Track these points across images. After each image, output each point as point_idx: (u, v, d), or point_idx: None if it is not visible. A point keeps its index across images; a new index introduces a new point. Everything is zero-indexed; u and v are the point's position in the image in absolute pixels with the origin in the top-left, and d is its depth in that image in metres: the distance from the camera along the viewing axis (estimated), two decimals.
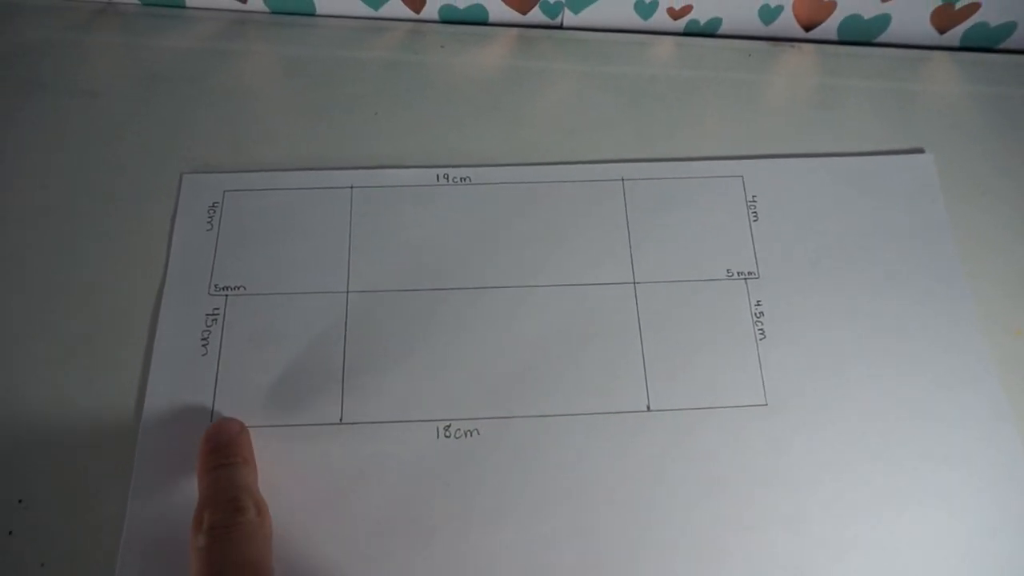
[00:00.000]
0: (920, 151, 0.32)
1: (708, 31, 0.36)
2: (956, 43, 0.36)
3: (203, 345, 0.28)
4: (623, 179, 0.31)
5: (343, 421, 0.27)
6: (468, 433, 0.27)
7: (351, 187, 0.31)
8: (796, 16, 0.35)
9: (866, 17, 0.35)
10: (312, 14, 0.36)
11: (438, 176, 0.31)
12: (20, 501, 0.25)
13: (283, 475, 0.26)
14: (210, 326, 0.28)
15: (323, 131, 0.32)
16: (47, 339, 0.28)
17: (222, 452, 0.24)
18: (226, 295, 0.28)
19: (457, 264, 0.29)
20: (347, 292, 0.29)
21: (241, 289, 0.29)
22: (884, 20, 0.35)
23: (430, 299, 0.29)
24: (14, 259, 0.29)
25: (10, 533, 0.25)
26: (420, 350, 0.28)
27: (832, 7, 0.35)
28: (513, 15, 0.36)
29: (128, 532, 0.25)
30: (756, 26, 0.36)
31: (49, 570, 0.24)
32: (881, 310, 0.29)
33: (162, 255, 0.29)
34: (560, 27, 0.36)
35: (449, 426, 0.27)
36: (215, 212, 0.30)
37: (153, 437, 0.26)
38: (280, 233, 0.30)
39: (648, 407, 0.27)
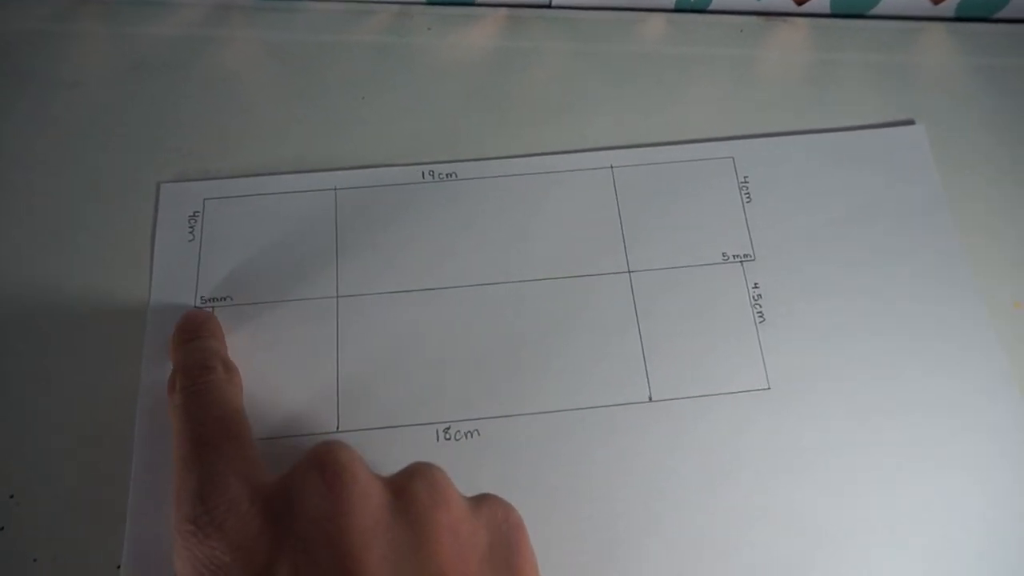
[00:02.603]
0: (911, 123, 0.35)
1: (699, 7, 0.38)
2: (951, 14, 0.38)
3: None
4: (612, 166, 0.33)
5: (340, 429, 0.28)
6: (468, 434, 0.28)
7: (335, 189, 0.33)
8: None
9: None
10: None
11: (423, 173, 0.33)
12: (11, 496, 0.28)
13: None
14: None
15: (310, 117, 0.34)
16: (30, 346, 0.30)
17: (192, 330, 0.28)
18: (212, 307, 0.30)
19: (447, 262, 0.31)
20: (336, 297, 0.31)
21: (228, 300, 0.30)
22: None
23: (421, 299, 0.31)
24: None
25: (1, 529, 0.27)
26: (414, 352, 0.30)
27: None
28: None
29: (128, 547, 0.27)
30: (748, 0, 0.38)
31: (41, 565, 0.27)
32: (880, 286, 0.31)
33: (146, 262, 0.31)
34: (549, 6, 0.38)
35: (448, 428, 0.29)
36: (196, 222, 0.32)
37: (148, 446, 0.28)
38: (264, 240, 0.32)
39: (650, 397, 0.29)
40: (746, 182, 0.33)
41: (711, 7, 0.38)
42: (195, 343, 0.28)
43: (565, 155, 0.34)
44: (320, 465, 0.20)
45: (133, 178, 0.33)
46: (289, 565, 0.18)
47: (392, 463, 0.28)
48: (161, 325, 0.30)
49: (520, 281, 0.31)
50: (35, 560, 0.27)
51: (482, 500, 0.22)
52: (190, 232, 0.32)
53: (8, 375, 0.29)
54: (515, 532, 0.21)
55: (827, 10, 0.38)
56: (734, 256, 0.32)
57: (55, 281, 0.31)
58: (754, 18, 0.38)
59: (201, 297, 0.31)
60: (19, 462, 0.28)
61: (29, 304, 0.31)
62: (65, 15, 0.37)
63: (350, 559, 0.18)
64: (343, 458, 0.20)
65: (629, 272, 0.31)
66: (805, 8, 0.38)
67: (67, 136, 0.34)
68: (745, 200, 0.33)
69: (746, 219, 0.32)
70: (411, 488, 0.20)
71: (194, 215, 0.32)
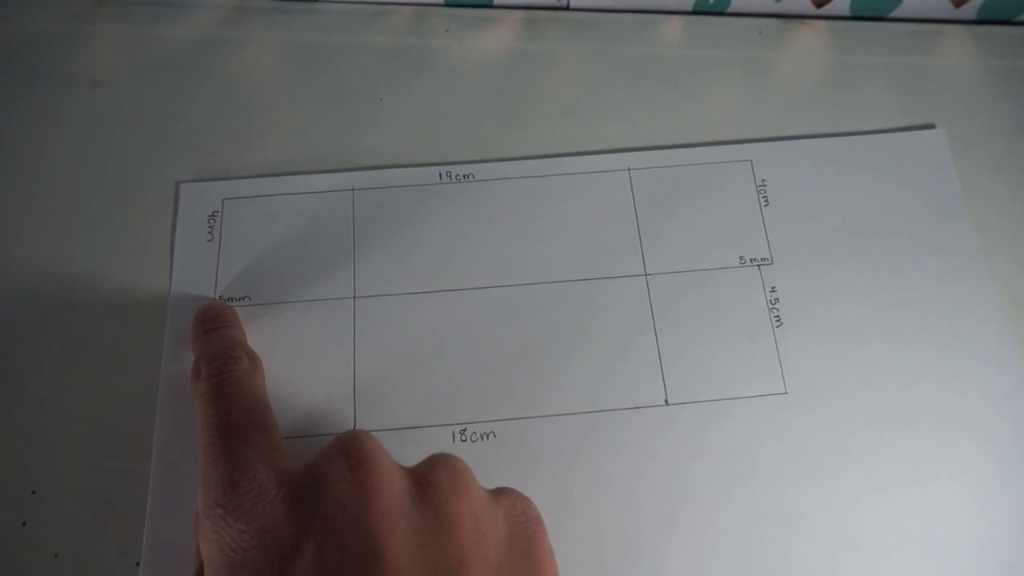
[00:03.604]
0: (931, 127, 0.35)
1: (718, 9, 0.38)
2: (973, 16, 0.38)
3: None
4: (629, 169, 0.34)
5: (357, 430, 0.29)
6: (484, 436, 0.29)
7: (352, 189, 0.33)
8: None
9: None
10: None
11: (440, 174, 0.33)
12: (33, 492, 0.28)
13: None
14: None
15: (327, 117, 0.35)
16: (51, 344, 0.31)
17: (212, 320, 0.29)
18: (231, 306, 0.31)
19: (464, 264, 0.32)
20: (354, 297, 0.31)
21: (246, 300, 0.31)
22: None
23: (438, 301, 0.31)
24: (12, 262, 0.32)
25: (24, 524, 0.28)
26: (431, 353, 0.30)
27: None
28: None
29: (147, 544, 0.27)
30: (767, 3, 0.38)
31: (63, 560, 0.27)
32: (898, 290, 0.31)
33: (166, 261, 0.32)
34: (567, 8, 0.39)
35: (464, 429, 0.29)
36: (215, 222, 0.32)
37: (168, 444, 0.28)
38: (282, 240, 0.32)
39: (666, 401, 0.29)
40: (764, 185, 0.33)
41: (729, 9, 0.38)
42: (218, 332, 0.29)
43: (582, 157, 0.34)
44: (345, 452, 0.21)
45: (153, 178, 0.34)
46: (315, 546, 0.19)
47: (408, 464, 0.28)
48: (181, 325, 0.30)
49: (536, 283, 0.31)
50: (56, 555, 0.27)
51: (501, 492, 0.22)
52: (209, 232, 0.32)
53: (30, 372, 0.30)
54: (533, 524, 0.22)
55: (847, 12, 0.38)
56: (751, 260, 0.32)
57: (75, 280, 0.32)
58: (772, 20, 0.38)
59: (220, 296, 0.31)
60: (41, 458, 0.29)
61: (49, 302, 0.31)
62: (84, 16, 0.38)
63: (374, 541, 0.19)
64: (367, 446, 0.21)
65: (646, 275, 0.32)
66: (824, 10, 0.38)
67: (87, 136, 0.35)
68: (763, 203, 0.33)
69: (764, 222, 0.33)
70: (433, 476, 0.21)
71: (213, 215, 0.33)
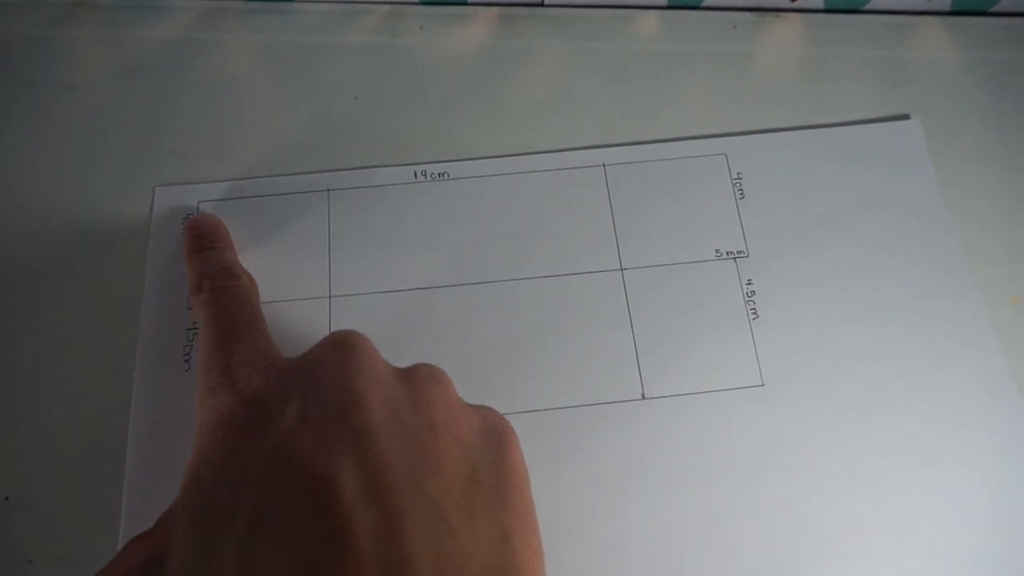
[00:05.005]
0: (906, 117, 0.35)
1: (692, 3, 0.38)
2: (947, 7, 0.38)
3: (186, 361, 0.30)
4: (604, 164, 0.33)
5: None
6: None
7: (327, 190, 0.33)
8: None
9: None
10: None
11: (415, 173, 0.33)
12: (7, 499, 0.28)
13: None
14: (191, 341, 0.30)
15: (303, 118, 0.35)
16: (26, 350, 0.30)
17: (208, 237, 0.30)
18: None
19: (439, 262, 0.32)
20: (329, 297, 0.31)
21: None
22: None
23: (414, 299, 0.31)
24: None
25: None
26: (406, 351, 0.30)
27: None
28: None
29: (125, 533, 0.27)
30: None
31: (37, 566, 0.27)
32: (876, 281, 0.31)
33: (141, 265, 0.32)
34: (542, 4, 0.39)
35: None
36: None
37: (142, 448, 0.28)
38: (257, 242, 0.32)
39: (643, 395, 0.29)
40: (739, 179, 0.33)
41: (704, 4, 0.38)
42: (216, 252, 0.30)
43: (557, 154, 0.34)
44: (333, 339, 0.23)
45: (129, 181, 0.33)
46: (299, 401, 0.21)
47: None
48: (155, 329, 0.30)
49: (512, 280, 0.31)
50: (30, 562, 0.27)
51: (481, 405, 0.24)
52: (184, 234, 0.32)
53: (4, 382, 0.30)
54: (508, 431, 0.23)
55: (821, 5, 0.38)
56: (727, 253, 0.32)
57: (50, 285, 0.31)
58: (747, 14, 0.38)
59: None
60: (14, 465, 0.29)
61: (24, 309, 0.31)
62: (60, 19, 0.37)
63: (355, 395, 0.20)
64: (355, 334, 0.23)
65: (622, 270, 0.31)
66: (799, 4, 0.38)
67: (64, 140, 0.34)
68: (738, 197, 0.33)
69: (739, 216, 0.32)
70: (414, 369, 0.23)
71: (188, 218, 0.32)
